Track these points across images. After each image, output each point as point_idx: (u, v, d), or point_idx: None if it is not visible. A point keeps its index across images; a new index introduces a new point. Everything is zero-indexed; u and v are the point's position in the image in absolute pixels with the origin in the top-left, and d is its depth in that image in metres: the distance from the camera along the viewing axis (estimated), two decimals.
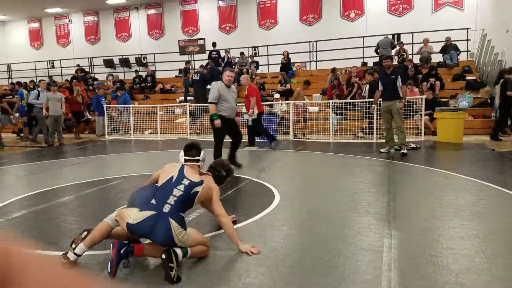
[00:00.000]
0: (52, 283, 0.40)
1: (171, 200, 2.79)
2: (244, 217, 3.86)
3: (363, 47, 14.26)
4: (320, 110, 10.92)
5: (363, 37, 14.23)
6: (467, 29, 13.42)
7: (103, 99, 12.44)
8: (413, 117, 9.24)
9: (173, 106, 12.51)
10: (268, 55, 15.46)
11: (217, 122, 5.97)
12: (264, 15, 17.44)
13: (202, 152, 3.18)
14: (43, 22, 21.38)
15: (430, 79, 11.15)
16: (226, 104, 6.04)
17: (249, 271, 2.75)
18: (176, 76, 16.58)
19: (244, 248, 2.98)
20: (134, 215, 2.73)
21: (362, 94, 10.83)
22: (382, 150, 7.51)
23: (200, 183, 2.95)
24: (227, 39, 17.37)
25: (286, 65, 14.31)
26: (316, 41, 14.94)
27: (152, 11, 19.17)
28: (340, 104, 10.29)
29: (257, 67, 14.96)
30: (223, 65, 14.32)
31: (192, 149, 3.14)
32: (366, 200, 4.38)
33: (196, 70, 13.46)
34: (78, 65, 17.39)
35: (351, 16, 16.37)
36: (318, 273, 2.67)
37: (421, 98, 9.30)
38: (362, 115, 10.13)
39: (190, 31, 18.59)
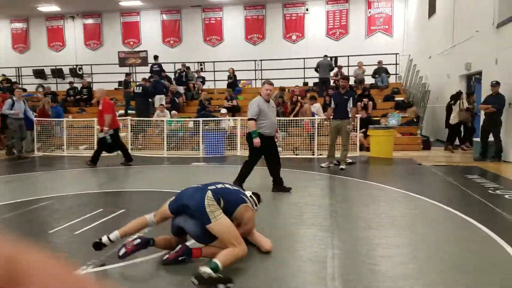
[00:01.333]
0: (56, 283, 0.39)
1: (220, 185, 3.04)
2: None
3: (304, 68, 14.93)
4: None
5: (304, 58, 14.91)
6: (396, 54, 14.65)
7: (32, 112, 11.52)
8: (351, 136, 9.84)
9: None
10: (214, 71, 15.57)
11: (257, 141, 5.48)
12: (209, 31, 17.60)
13: (259, 206, 3.39)
14: None
15: (364, 99, 11.94)
16: (267, 121, 5.55)
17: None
18: (115, 89, 16.04)
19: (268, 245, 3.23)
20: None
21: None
22: (323, 165, 7.89)
23: (250, 203, 3.15)
24: (171, 52, 17.24)
25: (233, 82, 14.50)
26: (261, 60, 15.36)
27: (89, 21, 18.48)
28: (284, 121, 10.64)
29: (203, 83, 15.00)
30: (184, 79, 14.19)
31: (257, 195, 3.40)
32: (312, 213, 4.59)
33: (138, 83, 13.15)
34: (3, 75, 16.15)
35: (292, 38, 17.11)
36: (264, 285, 2.73)
37: (356, 117, 9.93)
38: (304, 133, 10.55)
39: (132, 43, 18.18)
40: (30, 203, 5.26)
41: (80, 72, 17.14)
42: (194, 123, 10.81)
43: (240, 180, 5.73)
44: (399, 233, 3.85)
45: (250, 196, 3.27)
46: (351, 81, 13.77)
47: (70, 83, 15.67)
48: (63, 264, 0.42)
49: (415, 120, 11.26)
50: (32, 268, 0.39)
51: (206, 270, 2.56)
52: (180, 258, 2.92)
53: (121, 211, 4.72)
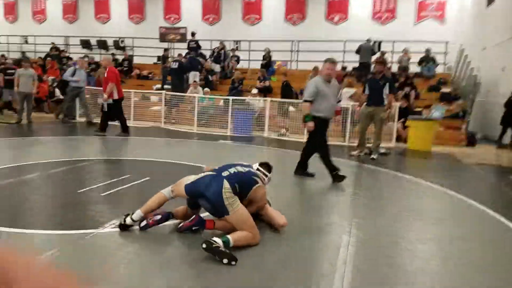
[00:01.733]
0: (46, 285, 0.42)
1: (233, 170, 3.06)
2: None
3: (344, 51, 14.35)
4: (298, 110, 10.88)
5: (345, 41, 14.32)
6: (446, 42, 13.71)
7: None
8: (387, 124, 9.35)
9: (149, 93, 12.19)
10: (250, 50, 15.34)
11: (310, 124, 5.14)
12: (248, 10, 17.29)
13: (271, 175, 3.48)
14: None
15: (406, 88, 11.31)
16: (325, 102, 5.14)
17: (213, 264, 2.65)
18: (154, 63, 16.23)
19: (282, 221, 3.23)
20: (193, 177, 3.07)
21: (337, 97, 10.87)
22: (353, 152, 7.54)
23: (261, 180, 3.22)
24: (210, 30, 17.13)
25: (267, 63, 14.24)
26: (298, 41, 14.93)
27: None
28: None
29: (238, 61, 14.82)
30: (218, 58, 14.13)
31: (265, 165, 3.49)
32: (333, 200, 4.41)
33: (174, 59, 13.21)
34: (53, 43, 16.77)
35: (335, 19, 16.45)
36: (279, 265, 2.64)
37: (394, 105, 9.41)
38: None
39: (172, 19, 18.24)
40: (65, 163, 5.57)
41: (122, 45, 17.46)
42: (224, 102, 10.70)
43: (302, 168, 5.44)
44: (425, 229, 3.59)
45: (257, 169, 3.36)
46: (395, 68, 13.11)
47: (113, 54, 16.01)
48: (48, 265, 0.45)
49: (461, 114, 10.53)
50: (19, 269, 0.41)
51: (217, 240, 2.65)
52: (194, 228, 3.02)
53: (146, 178, 4.86)
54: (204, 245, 2.61)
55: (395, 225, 3.62)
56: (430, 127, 8.81)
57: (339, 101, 10.21)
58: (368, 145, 7.60)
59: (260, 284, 2.40)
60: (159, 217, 3.10)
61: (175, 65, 12.43)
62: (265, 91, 12.02)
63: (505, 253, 3.15)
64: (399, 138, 9.61)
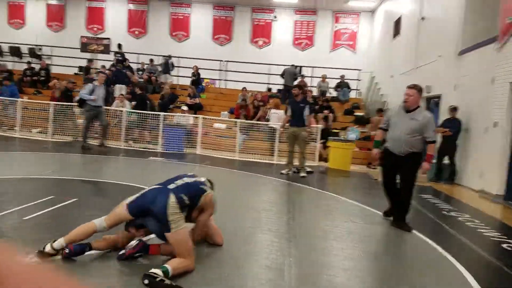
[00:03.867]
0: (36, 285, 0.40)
1: (179, 182, 2.96)
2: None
3: (269, 74, 15.16)
4: (227, 128, 11.23)
5: (269, 64, 15.14)
6: (358, 70, 15.25)
7: None
8: (309, 143, 10.12)
9: (70, 105, 11.53)
10: (178, 67, 15.39)
11: (373, 152, 4.93)
12: (176, 26, 17.35)
13: (213, 190, 3.32)
14: None
15: (325, 111, 12.33)
16: (390, 133, 4.67)
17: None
18: (75, 74, 15.40)
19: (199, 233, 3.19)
20: (134, 196, 2.90)
21: (266, 117, 11.50)
22: (283, 171, 8.06)
23: (209, 188, 3.18)
24: (136, 43, 16.80)
25: (196, 80, 14.43)
26: (226, 61, 15.39)
27: (53, 1, 17.60)
28: (247, 124, 10.78)
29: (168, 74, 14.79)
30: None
31: (209, 182, 3.32)
32: (269, 218, 4.58)
33: (98, 70, 12.73)
34: None
35: (259, 43, 17.27)
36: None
37: (317, 127, 10.26)
38: (266, 137, 10.71)
39: (95, 29, 17.51)
40: None
41: (40, 53, 16.27)
42: (153, 117, 10.62)
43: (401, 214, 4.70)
44: (355, 246, 3.90)
45: (206, 181, 3.30)
46: (315, 92, 14.18)
47: (28, 62, 14.87)
48: (35, 264, 0.43)
49: (374, 141, 11.73)
50: (14, 267, 0.40)
51: (157, 272, 2.55)
52: (136, 254, 2.89)
53: (73, 200, 4.55)
54: (146, 281, 2.49)
55: (329, 243, 3.93)
56: (348, 148, 9.76)
57: (268, 120, 10.82)
58: (295, 164, 8.19)
59: None
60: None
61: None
62: (195, 109, 12.17)
63: (434, 271, 3.44)
64: (321, 158, 10.44)
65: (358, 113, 13.47)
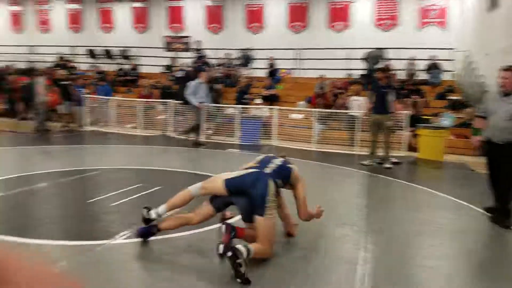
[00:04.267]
0: (40, 285, 0.42)
1: (272, 165, 3.16)
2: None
3: (348, 58, 14.36)
4: (304, 118, 10.87)
5: (348, 48, 14.34)
6: (451, 49, 13.70)
7: (82, 90, 12.02)
8: (395, 132, 9.30)
9: (155, 101, 12.20)
10: (254, 59, 15.36)
11: (473, 140, 4.70)
12: (251, 18, 17.33)
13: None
14: (24, 6, 20.65)
15: (414, 96, 11.29)
16: (489, 120, 4.31)
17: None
18: (161, 72, 16.28)
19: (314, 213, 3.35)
20: (235, 173, 3.07)
21: (346, 105, 10.89)
22: (364, 162, 7.50)
23: (292, 167, 3.35)
24: (215, 39, 17.16)
25: (272, 71, 14.28)
26: (302, 49, 14.95)
27: (137, 4, 18.78)
28: (324, 114, 10.30)
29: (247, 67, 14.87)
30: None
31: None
32: (345, 211, 4.35)
33: (180, 68, 13.25)
34: (59, 53, 16.86)
35: (337, 27, 16.48)
36: (290, 283, 2.61)
37: (404, 114, 9.40)
38: (345, 127, 10.13)
39: (176, 28, 18.29)
40: (76, 172, 5.61)
41: (129, 55, 17.54)
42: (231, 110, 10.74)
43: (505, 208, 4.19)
44: (442, 243, 3.53)
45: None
46: (402, 76, 13.10)
47: (119, 64, 16.09)
48: (43, 264, 0.44)
49: (470, 123, 10.47)
50: (14, 268, 0.41)
51: (243, 251, 2.60)
52: (232, 238, 2.90)
53: (157, 187, 4.88)
54: (229, 253, 2.58)
55: (411, 239, 3.58)
56: (441, 135, 8.76)
57: (347, 108, 10.22)
58: (378, 154, 7.57)
59: None
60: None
61: (181, 74, 12.47)
62: (271, 100, 12.01)
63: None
64: (410, 147, 9.56)
65: (453, 97, 12.09)
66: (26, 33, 20.65)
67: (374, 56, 12.81)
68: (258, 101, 11.67)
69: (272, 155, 3.46)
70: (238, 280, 2.54)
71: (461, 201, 5.04)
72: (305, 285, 2.58)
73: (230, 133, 10.46)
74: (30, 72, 14.13)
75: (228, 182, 2.98)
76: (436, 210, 4.69)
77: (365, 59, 13.00)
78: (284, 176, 3.18)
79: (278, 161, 3.26)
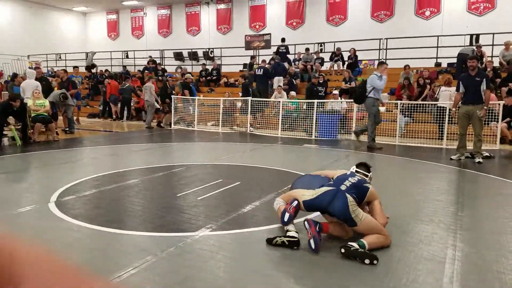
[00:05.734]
0: (55, 281, 0.40)
1: (347, 182, 3.19)
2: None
3: (437, 46, 13.44)
4: (387, 111, 10.48)
5: (438, 36, 13.41)
6: None
7: (172, 90, 12.93)
8: (489, 124, 8.56)
9: (235, 99, 12.71)
10: (334, 52, 15.13)
11: None
12: (333, 10, 17.10)
13: (371, 173, 3.55)
14: (120, 14, 22.78)
15: (510, 84, 10.23)
16: None
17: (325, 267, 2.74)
18: (240, 71, 16.87)
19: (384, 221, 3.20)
20: (312, 192, 3.16)
21: (435, 96, 10.27)
22: (453, 157, 7.05)
23: (369, 183, 3.37)
24: (294, 34, 17.27)
25: (353, 63, 13.95)
26: (387, 39, 14.34)
27: (222, 6, 19.62)
28: (409, 106, 9.83)
29: (322, 64, 14.73)
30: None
31: (362, 166, 3.55)
32: (432, 208, 4.16)
33: (259, 65, 13.60)
34: (150, 56, 18.33)
35: (426, 14, 15.49)
36: (375, 279, 2.60)
37: (499, 104, 8.59)
38: (433, 119, 9.56)
39: (257, 26, 18.76)
40: (164, 168, 6.07)
41: (212, 55, 18.44)
42: (306, 105, 10.74)
43: None
44: None
45: (356, 171, 3.43)
46: (496, 63, 11.92)
47: (203, 65, 17.01)
48: (60, 261, 0.42)
49: None
50: (29, 265, 0.40)
51: (354, 244, 2.82)
52: (318, 232, 2.96)
53: (237, 183, 5.10)
54: (343, 250, 2.79)
55: (505, 238, 3.34)
56: None
57: (437, 99, 9.62)
58: (468, 147, 7.06)
59: None
60: (296, 202, 3.14)
61: (259, 72, 12.80)
62: (351, 92, 11.75)
63: None
64: (504, 140, 8.73)
65: None
66: (121, 39, 22.74)
67: (467, 52, 11.65)
68: (335, 92, 11.51)
69: (350, 172, 3.38)
70: (366, 261, 2.72)
71: None
72: (390, 282, 2.55)
73: (308, 129, 10.50)
74: (124, 76, 15.62)
75: (306, 204, 3.12)
76: None
77: (458, 57, 11.88)
78: (359, 193, 3.17)
79: (353, 179, 3.24)
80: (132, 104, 14.76)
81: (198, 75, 16.32)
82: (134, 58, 19.90)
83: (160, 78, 15.86)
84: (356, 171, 3.45)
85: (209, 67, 16.46)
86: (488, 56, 12.20)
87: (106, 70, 17.52)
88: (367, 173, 3.46)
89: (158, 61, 18.21)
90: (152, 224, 3.61)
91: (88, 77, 17.72)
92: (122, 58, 20.30)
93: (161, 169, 6.01)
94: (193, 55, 18.94)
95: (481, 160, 6.74)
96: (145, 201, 4.37)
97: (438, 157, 7.41)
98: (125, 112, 14.48)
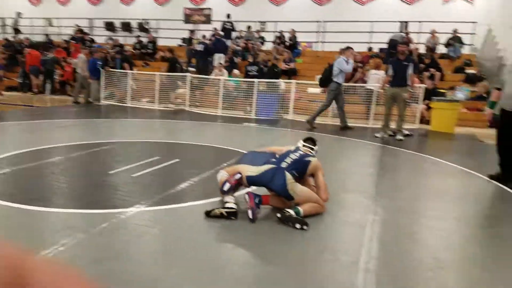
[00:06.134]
0: None
1: (288, 159, 3.37)
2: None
3: (371, 32, 14.16)
4: (321, 92, 10.90)
5: (372, 21, 14.12)
6: (474, 23, 13.35)
7: (100, 63, 12.10)
8: (410, 105, 9.33)
9: (174, 75, 12.39)
10: (275, 32, 15.27)
11: (487, 112, 4.81)
12: None
13: (317, 147, 3.70)
14: None
15: (431, 69, 11.18)
16: (505, 89, 4.48)
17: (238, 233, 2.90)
18: (178, 45, 16.40)
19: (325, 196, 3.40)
20: (255, 169, 3.31)
21: (365, 79, 10.88)
22: (377, 134, 7.64)
23: (312, 155, 3.53)
24: (235, 11, 17.03)
25: (292, 44, 14.21)
26: (325, 21, 14.77)
27: None
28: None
29: (263, 43, 14.83)
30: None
31: (309, 140, 3.73)
32: (357, 180, 4.55)
33: (200, 41, 13.34)
34: (77, 25, 17.06)
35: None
36: (303, 242, 2.81)
37: (420, 87, 9.39)
38: (362, 100, 10.17)
39: (198, 0, 18.25)
40: (94, 145, 5.73)
41: (147, 27, 17.64)
42: (247, 84, 10.85)
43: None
44: (446, 207, 3.73)
45: (304, 145, 3.63)
46: (422, 49, 12.91)
47: (137, 37, 16.23)
48: (67, 269, 0.42)
49: (485, 96, 10.38)
50: (36, 273, 0.40)
51: (290, 211, 3.06)
52: (256, 204, 3.10)
53: (176, 160, 5.02)
54: (278, 215, 3.03)
55: (417, 204, 3.79)
56: (454, 108, 8.79)
57: (365, 82, 10.22)
58: (391, 126, 7.68)
59: (292, 255, 2.60)
60: (239, 175, 3.27)
61: (200, 47, 12.57)
62: (290, 74, 12.06)
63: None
64: (423, 120, 9.60)
65: (470, 70, 11.90)
66: (44, 5, 20.76)
67: (397, 39, 12.43)
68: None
69: (293, 148, 3.54)
70: (297, 225, 2.93)
71: (467, 169, 5.22)
72: (315, 242, 2.80)
73: (247, 108, 10.64)
74: (47, 46, 14.43)
75: (249, 179, 3.28)
76: (442, 177, 4.89)
77: (389, 42, 12.65)
78: (300, 169, 3.35)
79: (295, 156, 3.40)
80: (56, 77, 13.72)
81: (132, 47, 15.60)
82: (59, 26, 18.39)
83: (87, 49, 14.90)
84: (303, 145, 3.66)
85: (144, 40, 15.78)
86: (415, 43, 13.16)
87: (27, 39, 16.03)
88: (312, 147, 3.67)
89: (86, 30, 17.04)
90: (82, 202, 3.43)
91: (5, 45, 16.05)
92: (45, 26, 18.65)
93: (90, 146, 5.65)
94: (126, 26, 17.96)
95: (401, 137, 7.39)
96: (73, 178, 4.13)
97: (365, 136, 7.98)
98: (48, 86, 13.44)
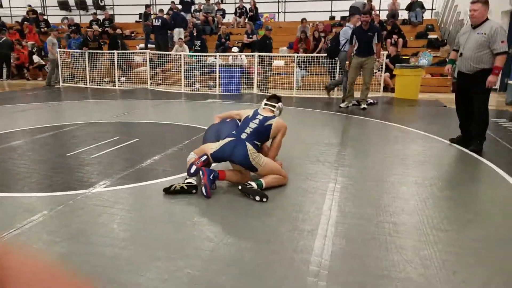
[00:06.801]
0: (45, 286, 0.41)
1: (248, 130, 3.31)
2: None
3: (332, 0, 14.01)
4: (285, 64, 10.80)
5: None
6: None
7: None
8: (375, 74, 9.36)
9: (132, 53, 11.90)
10: (235, 3, 14.88)
11: (446, 67, 4.92)
12: None
13: (280, 104, 3.62)
14: None
15: (394, 36, 11.22)
16: (460, 52, 4.55)
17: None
18: (136, 21, 15.73)
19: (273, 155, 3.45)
20: (216, 145, 3.27)
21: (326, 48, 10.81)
22: (341, 105, 7.62)
23: (273, 117, 3.44)
24: None
25: (254, 16, 13.89)
26: None
27: None
28: (305, 59, 10.21)
29: (223, 16, 14.42)
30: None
31: (272, 98, 3.68)
32: (319, 150, 4.50)
33: (156, 15, 12.79)
34: (29, 6, 16.07)
35: None
36: (264, 213, 2.78)
37: (383, 54, 9.41)
38: (326, 71, 10.13)
39: None
40: (52, 128, 5.58)
41: (102, 3, 16.79)
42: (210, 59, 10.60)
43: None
44: (407, 172, 3.74)
45: (265, 105, 3.57)
46: (383, 16, 12.91)
47: (93, 14, 15.41)
48: (47, 265, 0.42)
49: (447, 60, 10.57)
50: (15, 268, 0.40)
51: (252, 184, 3.06)
52: (211, 178, 3.05)
53: (136, 139, 4.91)
54: (240, 187, 3.03)
55: (379, 170, 3.79)
56: (417, 74, 8.87)
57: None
58: (355, 96, 7.68)
59: (252, 227, 2.55)
60: (205, 157, 3.21)
61: (157, 22, 12.05)
62: (253, 46, 11.80)
63: (482, 189, 3.44)
64: (386, 88, 9.68)
65: (432, 35, 12.05)
66: None
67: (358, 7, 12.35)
68: (235, 49, 11.50)
69: (253, 113, 3.47)
70: (257, 198, 2.93)
71: (429, 134, 5.28)
72: (275, 212, 2.78)
73: (211, 83, 10.40)
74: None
75: (213, 156, 3.23)
76: (404, 143, 4.92)
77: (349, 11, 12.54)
78: (262, 135, 3.33)
79: (254, 124, 3.34)
80: (12, 61, 12.99)
81: (88, 26, 14.81)
82: (10, 8, 17.27)
83: (42, 30, 14.11)
84: (264, 104, 3.58)
85: (101, 17, 15.01)
86: (376, 10, 13.14)
87: None
88: (274, 104, 3.56)
89: (39, 11, 16.07)
90: (39, 185, 3.36)
91: None
92: None
93: (48, 129, 5.51)
94: (81, 4, 17.05)
95: (366, 106, 7.42)
96: (30, 162, 4.01)
97: (329, 107, 7.96)
98: (4, 70, 12.72)
